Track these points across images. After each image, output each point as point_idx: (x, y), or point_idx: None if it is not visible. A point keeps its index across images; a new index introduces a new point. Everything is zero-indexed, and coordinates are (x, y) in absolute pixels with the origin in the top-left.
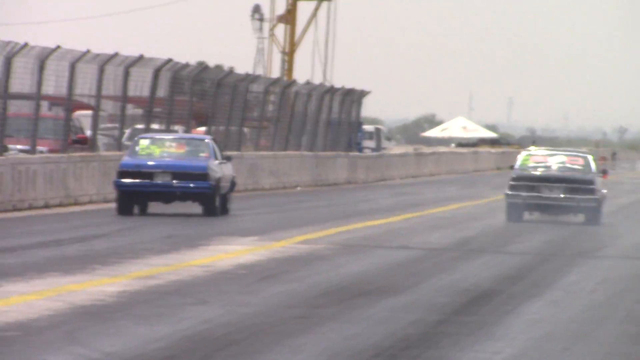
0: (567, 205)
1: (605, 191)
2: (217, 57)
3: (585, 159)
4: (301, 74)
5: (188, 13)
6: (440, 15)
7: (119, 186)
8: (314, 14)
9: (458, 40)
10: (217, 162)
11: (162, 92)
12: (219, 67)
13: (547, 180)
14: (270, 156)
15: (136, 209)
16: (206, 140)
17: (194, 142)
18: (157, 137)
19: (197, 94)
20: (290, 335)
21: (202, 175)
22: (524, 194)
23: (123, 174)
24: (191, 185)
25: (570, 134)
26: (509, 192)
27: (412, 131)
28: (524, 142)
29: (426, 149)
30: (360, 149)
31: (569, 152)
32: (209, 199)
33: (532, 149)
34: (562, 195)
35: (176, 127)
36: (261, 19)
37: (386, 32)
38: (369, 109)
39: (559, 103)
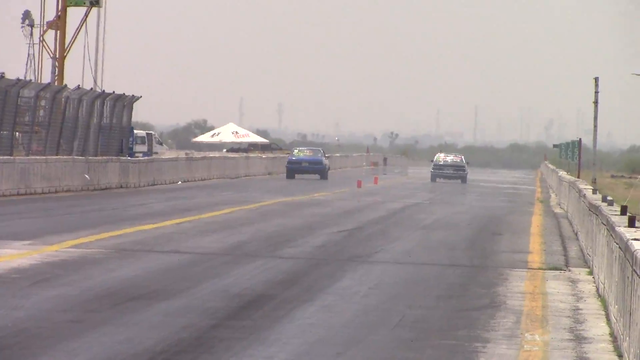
0: (455, 175)
1: (468, 170)
2: None
3: (461, 157)
4: (73, 80)
5: None
6: (209, 22)
7: (288, 167)
8: (84, 20)
9: (228, 46)
10: (324, 158)
11: None
12: None
13: (447, 165)
14: (42, 160)
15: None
16: (321, 150)
17: (315, 150)
18: (301, 148)
19: None
20: (64, 339)
21: (319, 162)
22: (438, 171)
23: (289, 162)
24: (316, 166)
25: (342, 139)
26: (432, 170)
27: (183, 136)
28: (294, 147)
29: (197, 154)
30: (131, 154)
31: (455, 154)
32: (323, 172)
33: (440, 154)
34: (452, 171)
35: None
36: (31, 25)
37: (156, 38)
38: (140, 114)
39: (329, 109)
